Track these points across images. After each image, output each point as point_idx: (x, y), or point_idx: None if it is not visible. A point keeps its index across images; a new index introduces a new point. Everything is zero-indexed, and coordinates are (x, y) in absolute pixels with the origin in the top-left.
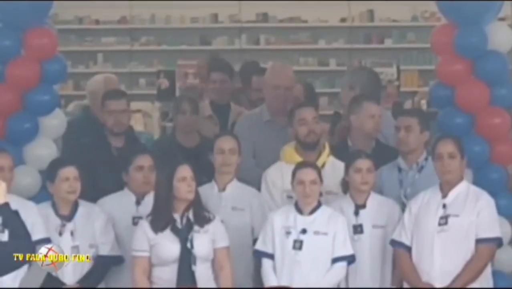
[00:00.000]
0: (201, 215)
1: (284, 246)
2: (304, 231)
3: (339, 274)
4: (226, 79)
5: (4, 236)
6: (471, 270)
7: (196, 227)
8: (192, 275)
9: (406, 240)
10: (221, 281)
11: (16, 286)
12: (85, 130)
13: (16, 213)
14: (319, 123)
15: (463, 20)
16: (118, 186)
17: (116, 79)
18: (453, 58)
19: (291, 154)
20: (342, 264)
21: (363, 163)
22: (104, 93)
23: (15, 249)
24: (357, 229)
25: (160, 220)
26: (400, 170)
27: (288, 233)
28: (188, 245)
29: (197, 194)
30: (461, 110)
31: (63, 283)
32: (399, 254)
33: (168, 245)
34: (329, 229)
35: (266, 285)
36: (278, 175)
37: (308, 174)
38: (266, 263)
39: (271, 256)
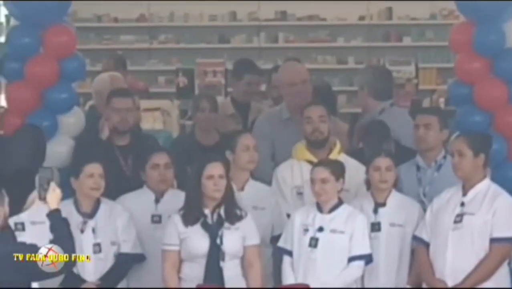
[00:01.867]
0: (232, 213)
1: (301, 243)
2: (320, 229)
3: (354, 273)
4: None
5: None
6: (483, 269)
7: (226, 224)
8: (220, 271)
9: (426, 236)
10: (250, 279)
11: (98, 275)
12: (90, 129)
13: (65, 221)
14: (325, 122)
15: (481, 18)
16: (124, 185)
17: (122, 77)
18: (471, 56)
19: (302, 151)
20: (359, 263)
21: (382, 161)
22: (110, 91)
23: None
24: (375, 227)
25: (191, 214)
26: (418, 168)
27: (306, 230)
28: (218, 241)
29: (228, 191)
30: (480, 108)
31: (84, 281)
32: (417, 249)
33: (197, 240)
34: (347, 228)
35: (284, 282)
36: (288, 171)
37: (317, 173)
38: (285, 260)
39: (290, 253)
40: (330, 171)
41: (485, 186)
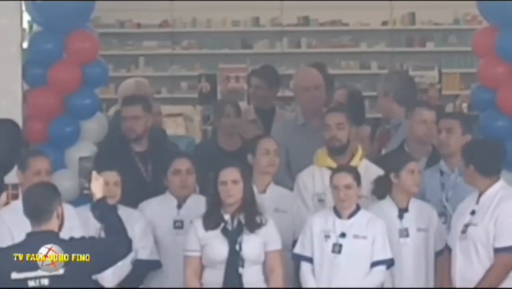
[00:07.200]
0: (252, 220)
1: (323, 249)
2: (343, 235)
3: (377, 278)
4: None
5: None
6: (489, 279)
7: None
8: (239, 277)
9: (450, 242)
10: (271, 284)
11: (116, 282)
12: (112, 135)
13: (113, 208)
14: (343, 129)
15: (504, 23)
16: (144, 191)
17: (147, 83)
18: (494, 61)
19: (323, 158)
20: (381, 268)
21: (416, 165)
22: (122, 99)
23: (112, 246)
24: (403, 233)
25: (211, 219)
26: (442, 173)
27: (327, 236)
28: (237, 247)
29: (247, 197)
30: (503, 114)
31: (102, 287)
32: (443, 256)
33: (216, 246)
34: (368, 233)
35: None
36: (310, 178)
37: (341, 179)
38: (304, 266)
39: (309, 260)
40: (353, 177)
41: (494, 191)
